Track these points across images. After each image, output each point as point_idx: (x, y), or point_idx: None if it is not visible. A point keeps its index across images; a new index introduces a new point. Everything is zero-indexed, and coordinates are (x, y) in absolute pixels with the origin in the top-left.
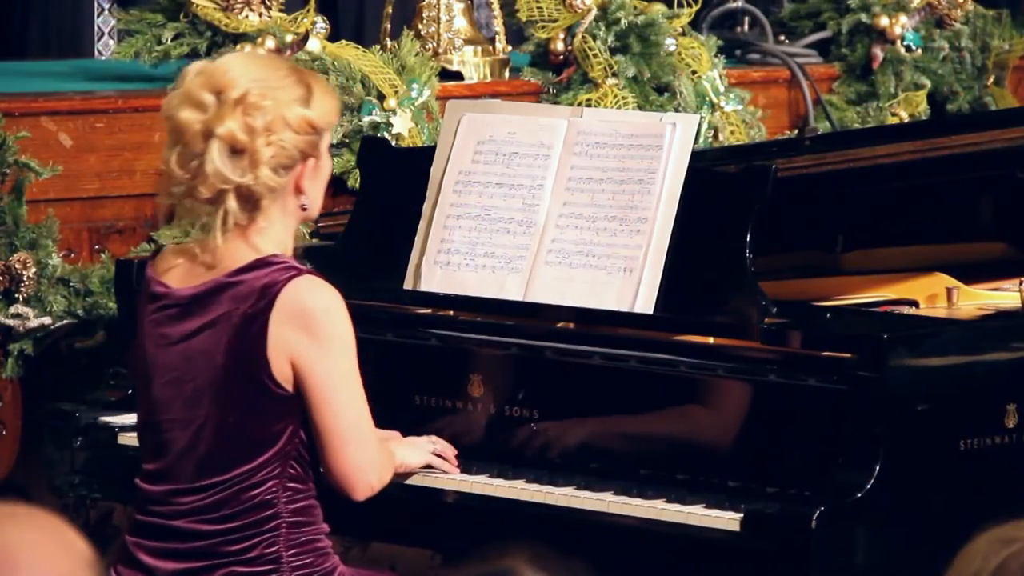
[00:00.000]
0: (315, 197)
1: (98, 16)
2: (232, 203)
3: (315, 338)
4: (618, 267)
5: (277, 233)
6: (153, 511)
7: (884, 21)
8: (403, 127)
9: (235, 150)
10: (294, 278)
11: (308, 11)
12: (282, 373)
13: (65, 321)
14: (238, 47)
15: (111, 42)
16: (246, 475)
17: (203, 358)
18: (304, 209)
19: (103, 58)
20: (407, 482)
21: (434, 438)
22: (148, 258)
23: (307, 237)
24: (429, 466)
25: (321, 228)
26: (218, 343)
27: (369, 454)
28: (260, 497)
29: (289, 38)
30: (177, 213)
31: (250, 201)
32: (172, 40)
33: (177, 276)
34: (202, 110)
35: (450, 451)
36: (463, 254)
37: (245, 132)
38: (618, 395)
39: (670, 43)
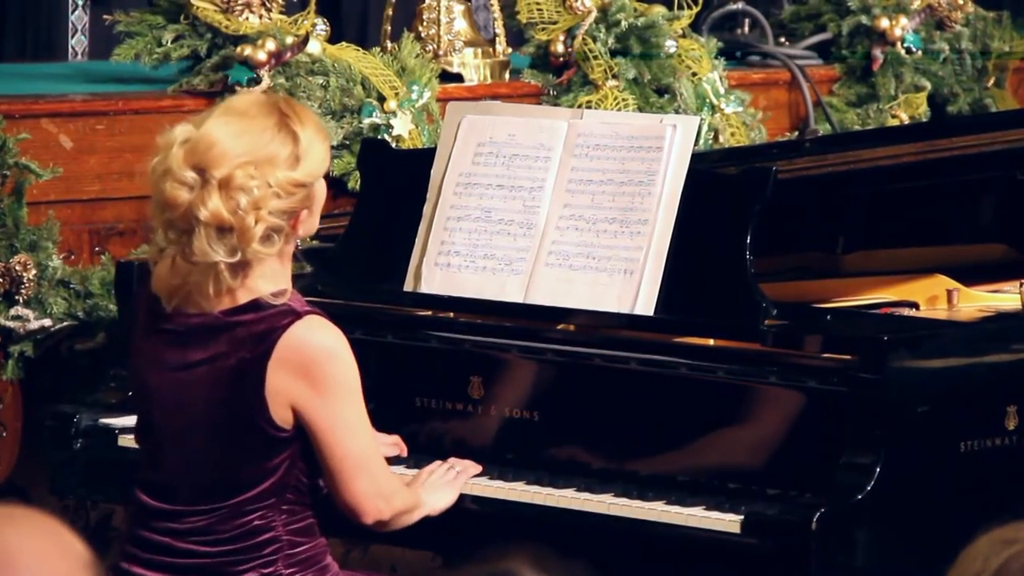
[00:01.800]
0: (311, 229)
1: (72, 12)
2: (224, 272)
3: (316, 386)
4: (618, 269)
5: (275, 275)
6: (152, 527)
7: (884, 23)
8: (403, 129)
9: (223, 229)
10: (292, 323)
11: (308, 13)
12: (280, 416)
13: (65, 323)
14: (238, 49)
15: (84, 39)
16: (243, 503)
17: (199, 393)
18: (298, 247)
19: (78, 53)
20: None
21: (451, 461)
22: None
23: (307, 239)
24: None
25: (321, 230)
26: (215, 382)
27: (377, 483)
28: (255, 522)
29: (289, 40)
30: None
31: (242, 265)
32: (172, 42)
33: (175, 298)
34: (186, 188)
35: (470, 466)
36: (463, 256)
37: (231, 213)
38: (618, 397)
39: (670, 45)
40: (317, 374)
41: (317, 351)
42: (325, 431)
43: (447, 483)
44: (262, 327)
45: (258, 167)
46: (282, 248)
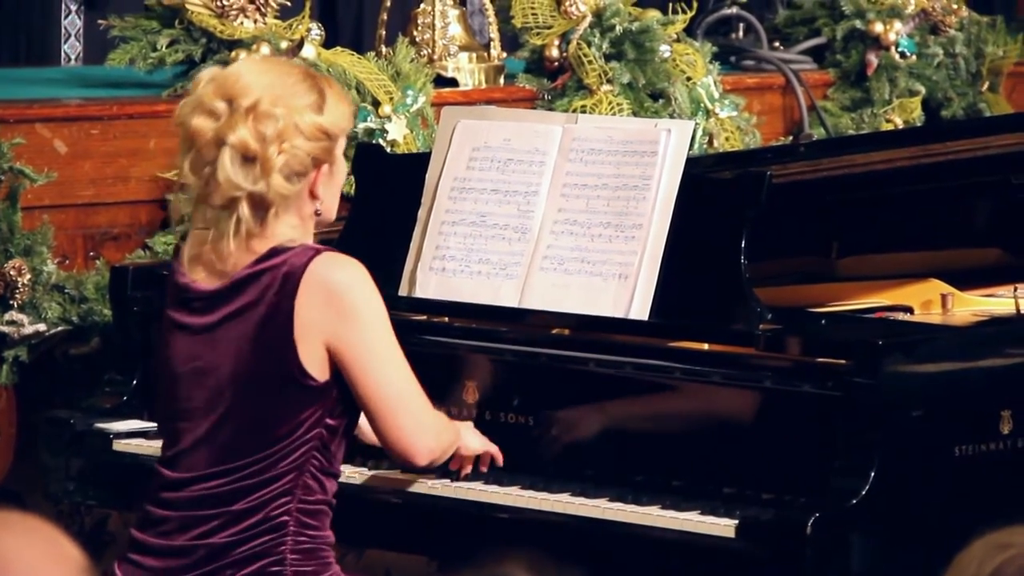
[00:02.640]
0: (330, 201)
1: (65, 18)
2: (245, 210)
3: (343, 314)
4: (613, 273)
5: (294, 232)
6: (166, 499)
7: (878, 27)
8: (398, 134)
9: (247, 158)
10: (313, 258)
11: (303, 18)
12: (311, 360)
13: (60, 328)
14: (233, 54)
15: (78, 44)
16: (267, 461)
17: (228, 348)
18: (319, 214)
19: (72, 59)
20: (402, 488)
21: (486, 440)
22: (174, 250)
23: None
24: (482, 455)
25: (316, 234)
26: (244, 333)
27: (422, 418)
28: (278, 490)
29: (284, 45)
30: (193, 217)
31: (263, 208)
32: (167, 47)
33: (200, 273)
34: (214, 118)
35: (497, 455)
36: (458, 260)
37: (256, 140)
38: (613, 401)
39: (665, 49)
40: (344, 304)
41: (341, 282)
42: (359, 362)
43: (477, 434)
44: (285, 268)
45: (285, 104)
46: (302, 204)
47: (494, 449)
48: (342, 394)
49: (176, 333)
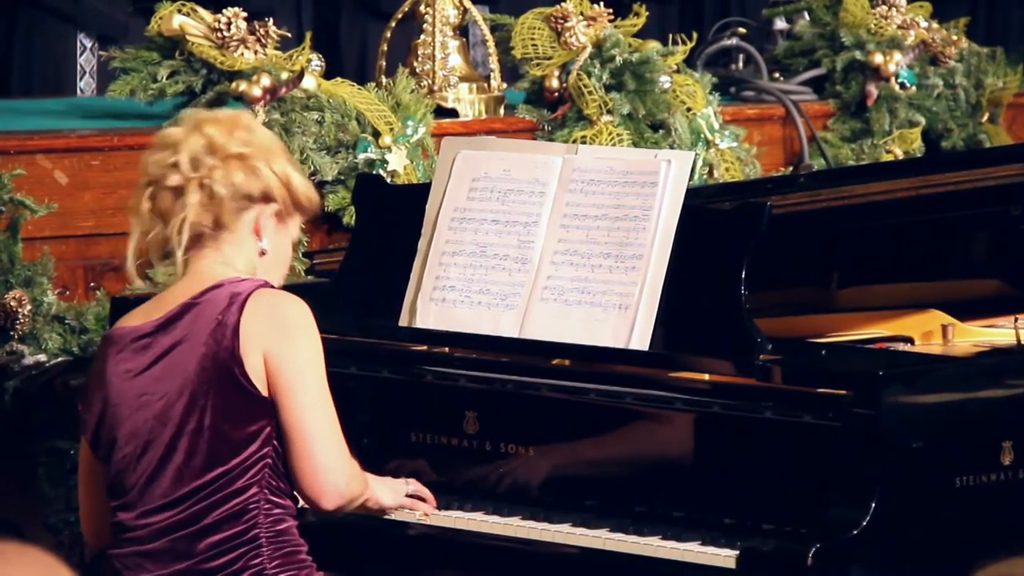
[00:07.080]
0: (276, 250)
1: (80, 54)
2: (194, 196)
3: (286, 335)
4: (613, 304)
5: (236, 269)
6: (129, 538)
7: (878, 59)
8: (398, 164)
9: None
10: (262, 287)
11: (303, 49)
12: (255, 370)
13: (60, 358)
14: (233, 85)
15: (92, 80)
16: (224, 478)
17: (176, 371)
18: (263, 254)
19: (87, 95)
20: (402, 519)
21: (411, 481)
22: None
23: (303, 274)
24: (402, 507)
25: (317, 265)
26: (191, 352)
27: (337, 459)
28: (241, 505)
29: (284, 75)
30: (150, 246)
31: (210, 208)
32: (168, 78)
33: (141, 319)
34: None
35: (426, 493)
36: (458, 291)
37: (220, 141)
38: (613, 432)
39: (665, 80)
40: (288, 326)
41: (288, 307)
42: (289, 381)
43: (393, 489)
44: (232, 290)
45: (254, 144)
46: (244, 243)
47: (416, 489)
48: None
49: (119, 382)
